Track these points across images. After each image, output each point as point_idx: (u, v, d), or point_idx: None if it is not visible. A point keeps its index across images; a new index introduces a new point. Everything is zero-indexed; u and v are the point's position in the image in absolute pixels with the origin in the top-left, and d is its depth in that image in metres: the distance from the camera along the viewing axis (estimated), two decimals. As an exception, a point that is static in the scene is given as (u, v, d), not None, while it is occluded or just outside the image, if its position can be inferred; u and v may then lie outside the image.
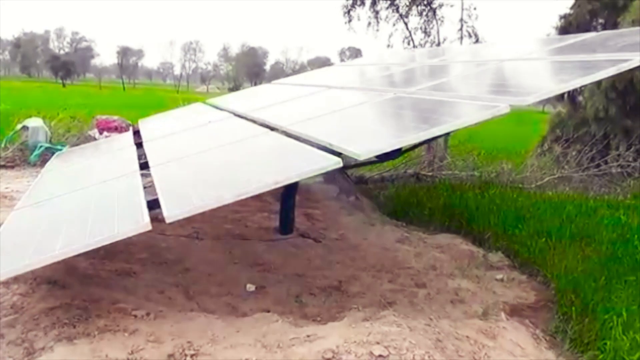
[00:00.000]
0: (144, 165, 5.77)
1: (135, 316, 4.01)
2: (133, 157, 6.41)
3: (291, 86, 9.76)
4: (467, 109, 4.62)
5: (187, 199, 4.10)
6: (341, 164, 4.09)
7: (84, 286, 4.48)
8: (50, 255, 3.76)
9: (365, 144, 4.35)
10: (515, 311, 4.70)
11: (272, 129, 5.77)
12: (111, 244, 5.30)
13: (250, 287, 4.84)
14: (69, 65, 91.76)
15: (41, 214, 4.99)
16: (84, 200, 5.00)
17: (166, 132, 7.50)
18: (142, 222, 3.86)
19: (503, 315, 4.51)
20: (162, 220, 3.93)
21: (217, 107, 9.27)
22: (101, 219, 4.21)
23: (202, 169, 5.05)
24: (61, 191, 5.61)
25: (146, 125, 9.05)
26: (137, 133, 8.65)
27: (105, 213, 4.36)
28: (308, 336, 3.79)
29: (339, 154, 4.20)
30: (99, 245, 3.84)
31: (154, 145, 6.81)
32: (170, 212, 3.87)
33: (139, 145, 7.25)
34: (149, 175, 5.32)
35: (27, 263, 3.77)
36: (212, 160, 5.29)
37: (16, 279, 4.63)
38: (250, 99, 9.70)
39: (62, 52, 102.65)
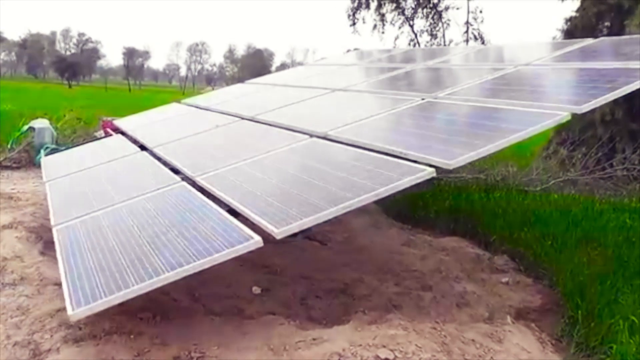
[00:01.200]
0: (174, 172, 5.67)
1: (141, 318, 4.02)
2: (156, 163, 6.17)
3: (282, 87, 9.47)
4: (527, 117, 4.62)
5: (284, 212, 3.93)
6: (435, 174, 4.08)
7: (90, 288, 4.49)
8: (164, 276, 3.58)
9: (448, 153, 4.28)
10: (521, 315, 4.69)
11: (311, 135, 5.65)
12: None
13: (256, 290, 4.84)
14: (75, 67, 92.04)
15: (101, 228, 4.59)
16: (147, 215, 4.64)
17: (174, 136, 7.15)
18: (252, 240, 3.72)
19: (509, 318, 4.51)
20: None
21: (200, 108, 9.04)
22: (193, 236, 3.97)
23: (272, 179, 4.79)
24: (103, 203, 5.17)
25: (133, 127, 8.60)
26: (123, 135, 8.40)
27: (191, 229, 4.11)
28: (314, 339, 3.79)
29: (413, 162, 4.24)
30: (211, 264, 3.65)
31: (172, 150, 6.52)
32: (279, 228, 3.72)
33: (142, 148, 7.09)
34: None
35: (141, 286, 3.53)
36: (274, 169, 5.05)
37: (22, 280, 4.65)
38: (238, 99, 9.34)
39: (68, 53, 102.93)
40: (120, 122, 9.70)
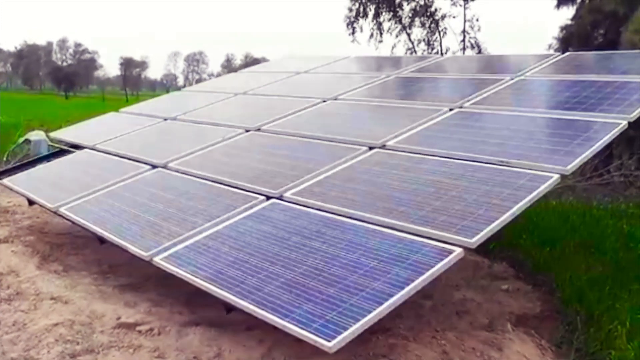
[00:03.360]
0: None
1: (140, 332, 4.00)
2: (193, 180, 5.61)
3: (248, 97, 8.55)
4: (595, 126, 4.95)
5: (454, 225, 3.85)
6: (559, 180, 4.18)
7: (86, 301, 4.47)
8: (396, 297, 3.31)
9: (554, 160, 4.42)
10: (520, 322, 4.68)
11: (371, 147, 5.44)
12: (113, 259, 5.32)
13: (254, 301, 4.81)
14: (72, 77, 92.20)
15: (227, 254, 4.14)
16: (273, 237, 4.23)
17: (181, 151, 6.36)
18: (455, 252, 3.62)
19: (509, 326, 4.49)
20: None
21: (166, 119, 8.02)
22: (383, 257, 3.71)
23: (387, 192, 4.51)
24: (186, 227, 4.62)
25: (97, 141, 7.48)
26: (77, 148, 7.62)
27: (362, 247, 3.86)
28: (314, 350, 3.77)
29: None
30: (426, 282, 3.45)
31: (199, 165, 5.88)
32: (473, 238, 3.67)
33: (146, 164, 6.25)
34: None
35: (380, 309, 3.23)
36: (369, 182, 4.74)
37: (18, 295, 4.63)
38: (209, 109, 8.24)
39: (64, 63, 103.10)
40: (67, 136, 8.54)
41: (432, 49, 22.46)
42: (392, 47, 23.36)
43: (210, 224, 4.59)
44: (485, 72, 7.55)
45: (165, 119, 8.10)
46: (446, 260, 3.54)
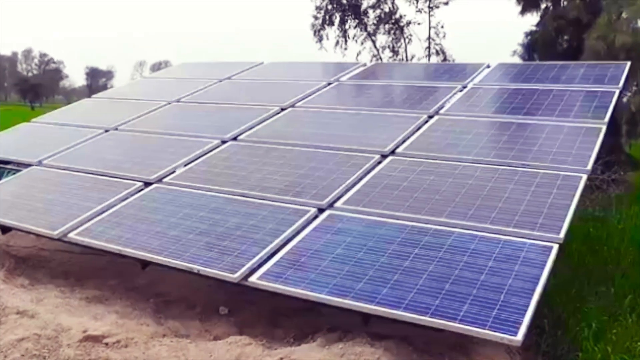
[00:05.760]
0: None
1: (107, 344, 3.95)
2: (207, 194, 5.37)
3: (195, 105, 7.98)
4: (583, 130, 5.31)
5: (529, 223, 4.14)
6: (587, 178, 4.60)
7: (53, 315, 4.40)
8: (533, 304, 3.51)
9: (570, 161, 4.81)
10: (489, 326, 4.71)
11: (383, 155, 5.46)
12: (81, 270, 5.25)
13: (223, 310, 4.80)
14: (37, 88, 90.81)
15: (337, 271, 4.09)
16: (375, 250, 4.22)
17: (171, 163, 6.06)
18: (553, 248, 3.90)
19: (477, 330, 4.52)
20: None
21: (97, 128, 7.44)
22: (495, 256, 3.90)
23: (437, 197, 4.68)
24: (257, 243, 4.51)
25: (44, 157, 6.85)
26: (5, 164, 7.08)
27: (466, 252, 3.99)
28: (281, 359, 3.76)
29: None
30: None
31: (208, 179, 5.61)
32: (559, 234, 3.98)
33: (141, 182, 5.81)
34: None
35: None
36: (408, 188, 4.86)
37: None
38: (144, 116, 7.74)
39: (30, 74, 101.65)
40: None
41: (398, 55, 22.62)
42: (357, 54, 23.48)
43: (281, 240, 4.49)
44: (429, 80, 7.59)
45: (107, 130, 7.44)
46: (551, 255, 3.81)
